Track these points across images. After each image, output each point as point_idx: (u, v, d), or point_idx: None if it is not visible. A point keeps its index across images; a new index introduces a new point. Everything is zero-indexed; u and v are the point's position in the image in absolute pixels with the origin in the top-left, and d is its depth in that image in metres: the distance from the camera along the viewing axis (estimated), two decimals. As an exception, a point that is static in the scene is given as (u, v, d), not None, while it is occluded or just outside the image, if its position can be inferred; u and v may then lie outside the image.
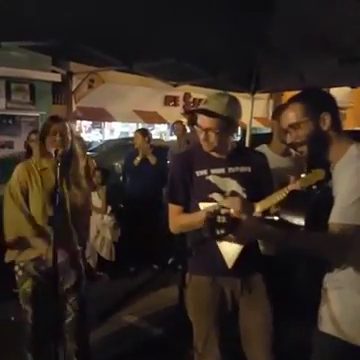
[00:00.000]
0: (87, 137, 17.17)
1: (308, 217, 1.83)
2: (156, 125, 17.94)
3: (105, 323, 3.96)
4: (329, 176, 1.82)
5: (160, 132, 18.27)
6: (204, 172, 2.23)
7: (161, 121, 16.25)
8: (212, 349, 2.23)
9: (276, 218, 1.84)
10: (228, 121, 2.17)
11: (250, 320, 2.25)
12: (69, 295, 2.77)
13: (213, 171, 2.23)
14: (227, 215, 1.56)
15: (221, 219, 1.55)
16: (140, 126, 16.95)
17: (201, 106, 2.17)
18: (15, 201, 2.60)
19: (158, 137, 16.71)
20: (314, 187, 1.96)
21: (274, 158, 2.90)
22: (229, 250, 2.13)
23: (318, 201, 1.83)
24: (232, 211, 1.60)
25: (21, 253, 2.66)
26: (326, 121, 1.70)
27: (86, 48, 2.77)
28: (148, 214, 5.58)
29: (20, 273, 2.68)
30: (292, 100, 1.78)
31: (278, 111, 2.98)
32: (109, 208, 5.55)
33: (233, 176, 2.23)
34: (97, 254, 5.40)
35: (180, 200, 2.27)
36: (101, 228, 5.44)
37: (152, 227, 5.55)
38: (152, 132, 19.34)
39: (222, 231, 1.54)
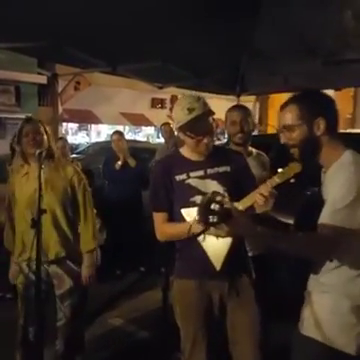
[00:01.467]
0: (73, 139, 17.08)
1: (297, 218, 1.85)
2: (143, 127, 17.96)
3: (91, 326, 3.93)
4: (318, 180, 1.83)
5: (147, 134, 18.28)
6: (184, 176, 2.22)
7: (148, 123, 16.25)
8: (199, 353, 2.22)
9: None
10: (212, 116, 2.19)
11: (237, 322, 2.24)
12: (63, 300, 2.72)
13: (192, 174, 2.22)
14: (220, 203, 1.54)
15: (215, 206, 1.52)
16: (127, 128, 16.97)
17: (193, 115, 2.10)
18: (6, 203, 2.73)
19: (145, 139, 16.71)
20: (292, 180, 1.97)
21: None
22: (216, 252, 2.12)
23: (308, 203, 1.84)
24: (225, 200, 1.57)
25: (15, 250, 2.72)
26: (320, 126, 1.69)
27: (71, 50, 2.76)
28: (130, 218, 5.56)
29: (15, 267, 2.74)
30: (290, 101, 1.77)
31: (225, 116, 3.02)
32: (94, 210, 5.51)
33: (213, 177, 2.22)
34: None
35: (164, 207, 2.25)
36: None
37: (135, 230, 5.54)
38: (139, 134, 19.43)
39: (215, 219, 1.52)
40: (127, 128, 16.66)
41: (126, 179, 5.53)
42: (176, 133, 2.31)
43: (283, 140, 1.81)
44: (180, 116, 2.13)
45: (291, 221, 1.71)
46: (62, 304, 2.73)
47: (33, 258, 2.41)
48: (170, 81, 3.90)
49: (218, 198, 1.54)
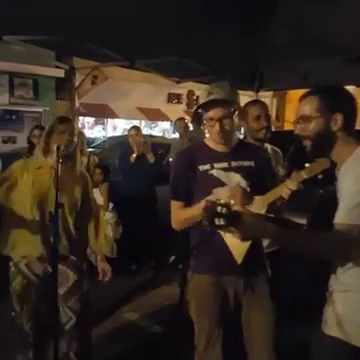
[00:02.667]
0: (90, 133, 17.18)
1: (311, 217, 1.82)
2: (159, 122, 17.94)
3: (106, 320, 3.98)
4: (334, 177, 1.80)
5: (163, 129, 18.26)
6: (207, 167, 2.23)
7: (164, 118, 16.23)
8: (213, 349, 2.23)
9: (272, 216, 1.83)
10: (235, 107, 2.20)
11: (253, 320, 2.24)
12: (67, 297, 2.68)
13: (216, 165, 2.23)
14: (227, 206, 1.52)
15: (222, 210, 1.50)
16: (143, 123, 16.98)
17: (210, 98, 2.14)
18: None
19: (161, 134, 16.70)
20: (319, 176, 1.94)
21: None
22: (238, 245, 2.08)
23: (322, 202, 1.82)
24: (232, 202, 1.56)
25: (14, 249, 2.63)
26: (338, 122, 1.67)
27: (89, 44, 2.76)
28: (144, 212, 5.56)
29: (12, 269, 2.66)
30: (311, 92, 1.75)
31: (244, 110, 2.97)
32: (111, 205, 5.54)
33: (236, 170, 2.23)
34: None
35: (183, 196, 2.26)
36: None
37: (149, 225, 5.55)
38: (155, 129, 19.43)
39: (221, 222, 1.50)
40: (143, 123, 16.66)
41: (140, 174, 5.54)
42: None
43: (297, 131, 1.80)
44: (201, 97, 2.23)
45: (303, 221, 1.68)
46: (67, 302, 2.67)
47: (41, 253, 2.42)
48: (187, 76, 3.88)
49: (222, 201, 1.52)
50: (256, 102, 3.04)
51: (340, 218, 1.57)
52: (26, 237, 2.59)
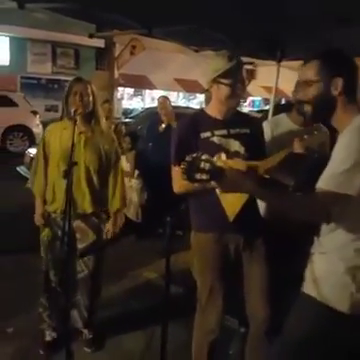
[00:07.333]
0: (128, 104, 17.37)
1: (299, 180, 1.86)
2: (197, 94, 17.85)
3: (126, 278, 4.17)
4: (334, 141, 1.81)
5: (201, 102, 18.17)
6: (208, 134, 2.29)
7: (202, 90, 16.07)
8: (215, 301, 2.33)
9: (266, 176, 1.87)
10: None
11: (251, 274, 2.35)
12: (85, 253, 2.84)
13: (216, 132, 2.29)
14: (210, 162, 1.56)
15: (204, 165, 1.54)
16: (181, 95, 16.98)
17: (234, 62, 2.20)
18: (38, 157, 2.84)
19: (198, 107, 16.64)
20: (316, 148, 1.96)
21: (291, 127, 2.90)
22: (231, 203, 2.17)
23: (314, 166, 1.83)
24: (216, 158, 1.62)
25: (46, 203, 2.84)
26: (338, 86, 1.65)
27: (104, 12, 2.81)
28: (171, 179, 5.66)
29: (42, 221, 2.86)
30: (312, 57, 1.74)
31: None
32: (136, 172, 5.69)
33: (235, 137, 2.30)
34: (124, 215, 5.58)
35: None
36: (128, 191, 5.61)
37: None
38: (193, 101, 19.30)
39: (204, 176, 1.54)
40: (181, 94, 16.65)
41: (169, 142, 5.62)
42: (209, 87, 2.36)
43: (298, 96, 1.80)
44: (220, 64, 2.23)
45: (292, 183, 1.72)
46: (84, 257, 2.85)
47: (62, 209, 2.58)
48: (206, 45, 3.86)
49: (204, 157, 1.57)
50: None
51: (322, 182, 1.58)
52: (54, 193, 2.77)
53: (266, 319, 2.27)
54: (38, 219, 2.82)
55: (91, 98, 2.73)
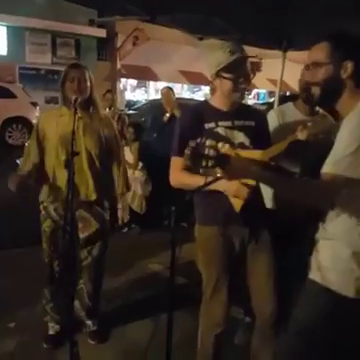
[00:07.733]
0: (132, 96, 17.28)
1: (305, 166, 1.83)
2: (202, 86, 17.78)
3: (130, 270, 4.17)
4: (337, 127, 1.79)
5: (205, 94, 18.10)
6: (212, 125, 2.26)
7: (206, 82, 15.93)
8: (220, 295, 2.32)
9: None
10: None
11: (256, 269, 2.32)
12: (89, 242, 2.83)
13: (221, 123, 2.26)
14: (215, 149, 1.51)
15: (209, 151, 1.49)
16: (185, 87, 16.90)
17: (236, 56, 2.14)
18: (30, 143, 2.77)
19: (203, 99, 16.58)
20: (320, 136, 1.94)
21: (298, 116, 2.87)
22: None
23: (320, 152, 1.82)
24: (220, 145, 1.55)
25: (42, 192, 2.79)
26: (348, 69, 1.63)
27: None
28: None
29: (43, 212, 2.82)
30: (323, 38, 1.70)
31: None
32: (140, 164, 5.65)
33: (239, 128, 2.28)
34: (129, 207, 5.55)
35: None
36: (132, 183, 5.57)
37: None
38: (198, 93, 19.24)
39: (209, 163, 1.49)
40: (186, 86, 16.57)
41: (173, 133, 5.59)
42: (212, 79, 2.33)
43: (307, 77, 1.79)
44: (221, 58, 2.18)
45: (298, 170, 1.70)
46: (87, 246, 2.83)
47: (63, 198, 2.53)
48: (210, 33, 3.80)
49: (208, 143, 1.50)
50: None
51: (327, 167, 1.57)
52: (55, 182, 2.72)
53: (273, 313, 2.25)
54: (12, 185, 2.57)
55: (88, 83, 2.67)
